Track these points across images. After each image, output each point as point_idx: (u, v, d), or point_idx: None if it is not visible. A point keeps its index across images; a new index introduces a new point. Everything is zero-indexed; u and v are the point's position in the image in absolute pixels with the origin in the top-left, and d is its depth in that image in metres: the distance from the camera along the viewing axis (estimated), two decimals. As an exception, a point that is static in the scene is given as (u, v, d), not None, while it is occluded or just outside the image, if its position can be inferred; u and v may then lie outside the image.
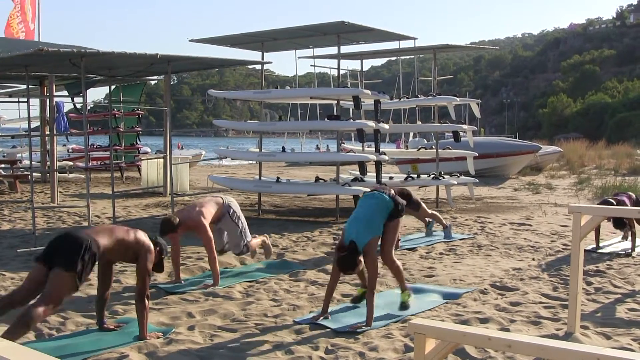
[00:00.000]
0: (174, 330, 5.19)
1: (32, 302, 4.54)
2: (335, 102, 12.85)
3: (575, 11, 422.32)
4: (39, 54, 8.21)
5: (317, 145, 38.81)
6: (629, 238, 8.78)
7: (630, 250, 8.44)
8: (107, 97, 20.02)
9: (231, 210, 7.18)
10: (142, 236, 5.05)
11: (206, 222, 6.80)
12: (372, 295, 5.40)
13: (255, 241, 7.46)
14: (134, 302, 5.92)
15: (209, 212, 6.96)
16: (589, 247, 8.55)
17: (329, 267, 7.50)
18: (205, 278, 7.01)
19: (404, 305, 5.82)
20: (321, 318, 5.45)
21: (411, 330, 2.73)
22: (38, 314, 4.41)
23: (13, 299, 4.69)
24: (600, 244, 8.87)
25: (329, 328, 5.22)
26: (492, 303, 6.04)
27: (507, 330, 5.16)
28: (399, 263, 5.96)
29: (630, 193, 9.17)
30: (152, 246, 5.05)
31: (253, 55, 13.47)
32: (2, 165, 18.19)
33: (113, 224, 9.66)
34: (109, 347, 4.74)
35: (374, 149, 11.98)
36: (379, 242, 5.75)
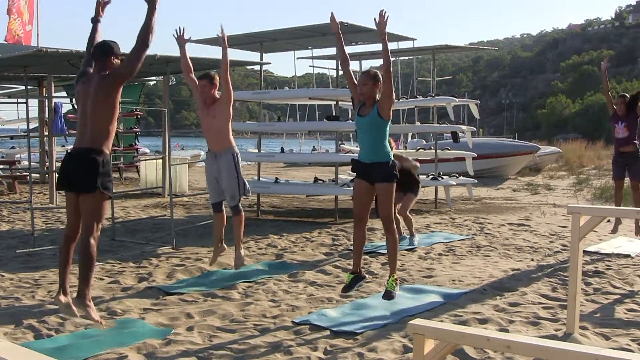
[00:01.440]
0: (173, 331, 5.18)
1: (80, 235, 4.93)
2: (334, 102, 12.87)
3: (574, 12, 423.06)
4: (38, 55, 8.22)
5: (313, 147, 38.83)
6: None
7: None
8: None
9: (235, 153, 7.00)
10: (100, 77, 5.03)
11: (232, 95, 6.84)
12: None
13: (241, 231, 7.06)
14: (133, 302, 5.94)
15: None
16: (589, 248, 8.58)
17: (328, 267, 7.53)
18: (203, 279, 7.01)
19: (388, 294, 5.66)
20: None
21: (410, 331, 2.72)
22: (91, 243, 4.84)
23: (72, 232, 5.03)
24: (601, 244, 8.89)
25: (328, 329, 5.22)
26: (491, 304, 6.04)
27: (506, 330, 5.16)
28: (397, 235, 5.87)
29: None
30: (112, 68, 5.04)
31: (252, 55, 13.44)
32: (1, 166, 18.19)
33: (113, 224, 9.67)
34: (107, 348, 4.73)
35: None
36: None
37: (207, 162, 7.15)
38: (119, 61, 5.12)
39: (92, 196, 4.87)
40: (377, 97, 5.63)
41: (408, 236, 9.15)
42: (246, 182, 7.02)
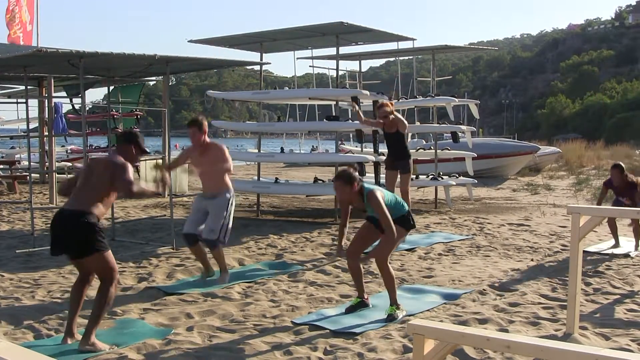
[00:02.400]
0: (173, 331, 5.18)
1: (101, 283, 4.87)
2: (334, 102, 12.86)
3: (574, 12, 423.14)
4: (38, 55, 8.21)
5: (312, 146, 38.84)
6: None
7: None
8: (105, 98, 20.02)
9: (231, 196, 6.84)
10: (111, 161, 4.98)
11: (229, 156, 6.72)
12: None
13: (223, 256, 6.93)
14: (133, 303, 5.93)
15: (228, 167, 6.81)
16: (589, 248, 8.58)
17: (328, 267, 7.53)
18: (203, 279, 7.01)
19: (390, 317, 5.54)
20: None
21: (410, 331, 2.73)
22: (111, 290, 4.81)
23: (85, 276, 4.98)
24: (601, 244, 8.88)
25: (327, 329, 5.22)
26: (490, 304, 6.04)
27: (506, 331, 5.16)
28: (392, 271, 5.77)
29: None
30: (122, 161, 4.95)
31: (251, 56, 13.44)
32: (1, 166, 18.18)
33: (113, 224, 9.68)
34: (107, 347, 4.73)
35: (372, 150, 11.98)
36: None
37: (198, 198, 7.04)
38: (140, 152, 5.21)
39: (92, 258, 4.78)
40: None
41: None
42: (228, 232, 6.79)
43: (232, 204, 6.81)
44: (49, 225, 10.57)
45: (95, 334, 4.73)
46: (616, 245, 8.92)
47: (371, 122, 9.92)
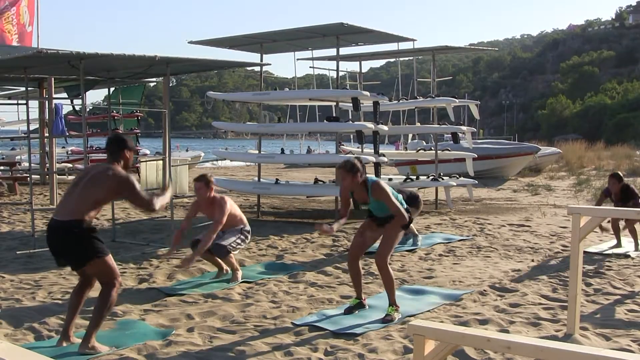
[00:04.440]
0: (173, 332, 5.18)
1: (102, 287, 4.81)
2: (334, 103, 12.88)
3: (574, 12, 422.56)
4: (38, 56, 8.21)
5: (308, 147, 38.87)
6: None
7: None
8: (106, 99, 20.03)
9: (245, 229, 7.21)
10: (112, 175, 4.78)
11: (227, 211, 6.87)
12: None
13: (233, 260, 7.11)
14: (134, 304, 5.94)
15: (234, 211, 7.07)
16: (590, 249, 8.58)
17: (329, 268, 7.53)
18: (202, 279, 7.01)
19: (387, 318, 5.51)
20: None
21: (410, 332, 2.72)
22: (112, 294, 4.75)
23: (85, 281, 4.95)
24: (601, 245, 8.88)
25: (328, 330, 5.22)
26: (491, 304, 6.04)
27: (507, 331, 5.16)
28: (392, 272, 5.77)
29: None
30: (126, 177, 4.80)
31: (252, 56, 13.45)
32: (1, 168, 18.18)
33: (113, 225, 9.68)
34: (107, 348, 4.73)
35: (373, 151, 11.98)
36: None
37: None
38: (132, 154, 5.03)
39: (92, 264, 4.73)
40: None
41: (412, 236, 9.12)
42: (231, 247, 7.00)
43: (246, 234, 7.18)
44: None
45: (95, 336, 4.72)
46: (618, 245, 8.93)
47: None
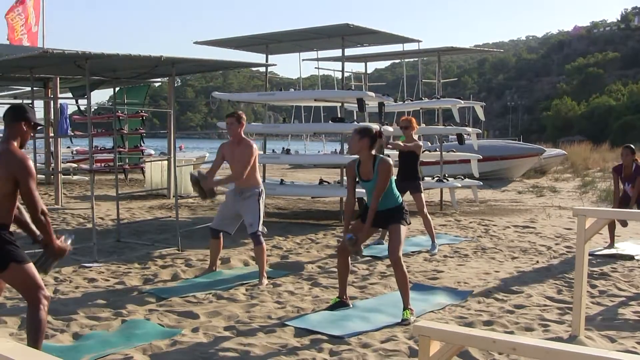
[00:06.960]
0: (178, 332, 5.19)
1: (28, 307, 4.07)
2: (340, 104, 12.87)
3: (580, 14, 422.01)
4: (44, 56, 8.23)
5: (304, 147, 38.92)
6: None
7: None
8: (111, 99, 20.07)
9: (260, 190, 7.09)
10: (6, 154, 4.06)
11: (255, 153, 6.96)
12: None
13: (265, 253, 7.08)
14: (139, 304, 5.94)
15: (256, 162, 7.04)
16: (596, 250, 8.56)
17: (334, 269, 7.52)
18: (204, 279, 7.01)
19: (405, 322, 5.46)
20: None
21: (415, 333, 2.72)
22: (41, 314, 4.02)
23: None
24: (602, 246, 8.86)
25: (332, 335, 5.16)
26: (496, 305, 6.03)
27: (512, 332, 5.16)
28: (406, 270, 5.72)
29: None
30: (21, 156, 4.06)
31: (257, 57, 13.46)
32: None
33: (118, 225, 9.70)
34: (113, 349, 4.74)
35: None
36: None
37: (230, 194, 7.24)
38: (32, 129, 4.25)
39: (8, 273, 4.01)
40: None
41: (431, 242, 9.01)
42: (260, 231, 6.98)
43: (262, 198, 7.08)
44: (54, 226, 10.63)
45: None
46: (610, 245, 8.89)
47: (399, 145, 9.44)
